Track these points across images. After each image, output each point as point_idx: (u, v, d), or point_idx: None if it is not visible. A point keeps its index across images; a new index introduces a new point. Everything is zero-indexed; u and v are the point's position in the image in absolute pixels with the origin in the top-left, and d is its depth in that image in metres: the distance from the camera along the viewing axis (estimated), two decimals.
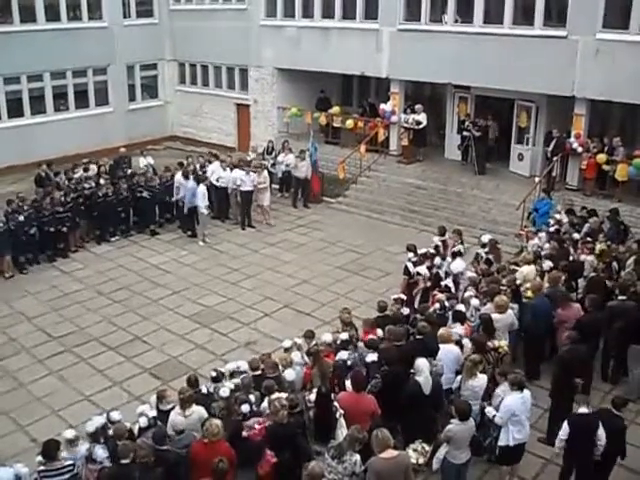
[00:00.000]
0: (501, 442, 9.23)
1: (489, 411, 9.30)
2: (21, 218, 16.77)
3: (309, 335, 10.94)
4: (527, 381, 9.62)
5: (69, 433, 8.76)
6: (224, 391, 9.41)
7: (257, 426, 8.71)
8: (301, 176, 21.62)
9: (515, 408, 9.03)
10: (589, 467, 8.95)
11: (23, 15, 24.09)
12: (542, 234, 15.01)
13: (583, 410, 8.85)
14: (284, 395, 9.16)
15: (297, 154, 21.57)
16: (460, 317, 11.18)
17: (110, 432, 8.80)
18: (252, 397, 9.26)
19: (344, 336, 10.64)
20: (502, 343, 10.78)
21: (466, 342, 10.63)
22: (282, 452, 8.62)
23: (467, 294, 12.05)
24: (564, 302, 11.77)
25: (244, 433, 8.69)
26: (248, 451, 8.64)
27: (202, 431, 8.42)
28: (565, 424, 8.90)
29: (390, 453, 7.78)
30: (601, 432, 8.68)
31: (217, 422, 8.37)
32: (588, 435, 8.73)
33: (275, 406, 8.73)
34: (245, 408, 9.10)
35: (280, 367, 10.09)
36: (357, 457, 8.04)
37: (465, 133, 21.26)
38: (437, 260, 13.63)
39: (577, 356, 10.32)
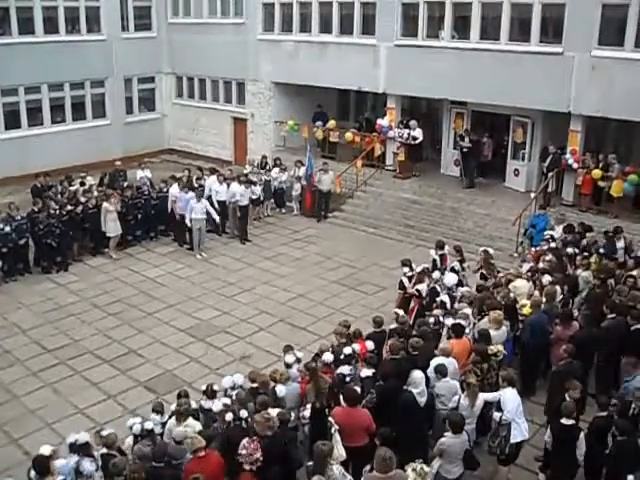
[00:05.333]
0: (515, 438, 9.40)
1: (496, 415, 9.42)
2: (6, 228, 16.77)
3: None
4: (523, 397, 9.67)
5: (46, 450, 8.54)
6: (216, 405, 9.52)
7: (251, 445, 8.66)
8: (324, 189, 21.68)
9: (515, 400, 9.30)
10: (572, 471, 9.21)
11: (22, 27, 24.18)
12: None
13: (566, 422, 8.96)
14: (276, 411, 9.16)
15: (321, 167, 21.70)
16: (458, 331, 11.16)
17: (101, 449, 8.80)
18: (244, 412, 9.22)
19: (348, 350, 10.61)
20: (499, 347, 10.89)
21: None
22: (271, 466, 8.62)
23: (463, 311, 12.01)
24: (566, 320, 11.77)
25: (244, 462, 8.65)
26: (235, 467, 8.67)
27: (189, 448, 8.42)
28: (549, 431, 9.27)
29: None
30: (581, 440, 8.88)
31: (194, 434, 8.45)
32: (569, 444, 8.93)
33: (257, 421, 8.74)
34: (229, 416, 9.12)
35: (272, 383, 10.06)
36: (335, 470, 7.99)
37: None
38: (436, 274, 13.62)
39: (572, 371, 10.34)
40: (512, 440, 9.39)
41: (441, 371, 9.96)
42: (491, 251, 14.63)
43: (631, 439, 8.79)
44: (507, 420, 9.36)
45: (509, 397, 9.34)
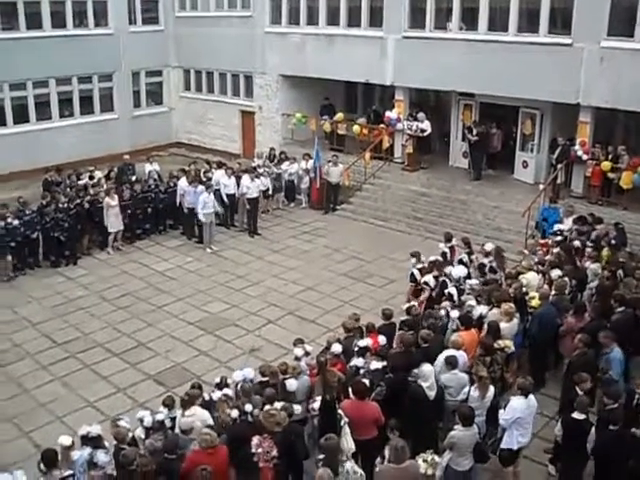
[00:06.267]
0: (505, 445, 9.32)
1: (500, 413, 9.38)
2: (15, 222, 16.82)
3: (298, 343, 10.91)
4: (533, 389, 9.61)
5: (66, 439, 8.72)
6: (216, 395, 9.60)
7: (265, 443, 8.66)
8: (333, 181, 21.68)
9: (520, 412, 9.13)
10: (583, 465, 9.14)
11: (29, 21, 24.23)
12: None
13: (578, 416, 8.90)
14: (280, 403, 9.18)
15: (330, 158, 21.74)
16: (467, 321, 11.15)
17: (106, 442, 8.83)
18: (249, 406, 9.21)
19: (362, 343, 10.59)
20: (507, 343, 10.87)
21: None
22: (280, 460, 8.64)
23: (469, 302, 11.97)
24: (579, 311, 11.75)
25: (259, 460, 8.64)
26: (248, 459, 8.66)
27: (199, 442, 8.42)
28: (559, 425, 9.17)
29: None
30: (592, 435, 8.82)
31: (209, 430, 8.42)
32: (580, 439, 8.87)
33: (264, 417, 8.76)
34: (234, 413, 9.11)
35: (281, 376, 10.06)
36: (347, 466, 8.00)
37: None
38: (448, 268, 13.57)
39: (588, 360, 10.38)
40: (502, 446, 9.36)
41: (452, 362, 9.94)
42: (488, 248, 14.48)
43: (621, 429, 8.76)
44: (502, 425, 9.34)
45: (513, 405, 9.20)
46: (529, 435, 9.44)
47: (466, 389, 9.86)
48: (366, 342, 10.60)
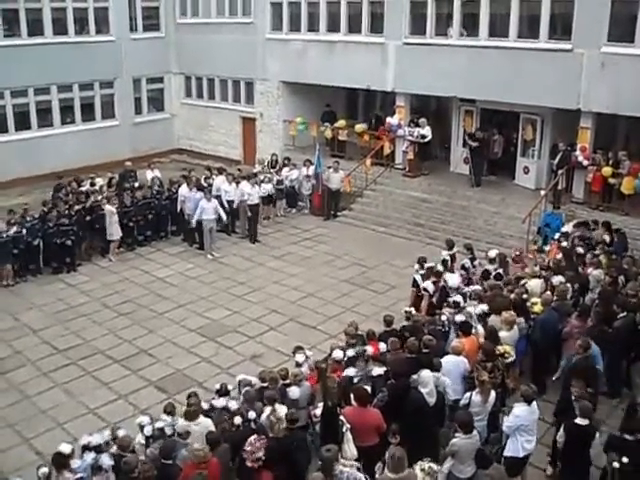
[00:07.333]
0: (509, 452, 9.23)
1: (504, 420, 9.35)
2: (23, 231, 16.84)
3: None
4: (535, 395, 9.58)
5: (66, 447, 8.63)
6: (220, 402, 9.59)
7: (257, 443, 8.65)
8: (334, 187, 21.68)
9: (524, 419, 9.10)
10: (585, 471, 9.07)
11: (31, 29, 24.33)
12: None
13: (581, 422, 8.85)
14: (284, 408, 9.16)
15: (330, 165, 21.78)
16: (466, 329, 11.12)
17: (114, 448, 8.78)
18: (252, 413, 9.19)
19: (351, 352, 10.56)
20: (507, 348, 10.85)
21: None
22: (278, 467, 8.63)
23: (467, 310, 11.93)
24: (583, 314, 11.75)
25: (247, 459, 8.63)
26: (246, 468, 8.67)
27: (190, 455, 8.39)
28: (562, 431, 9.09)
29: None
30: (597, 441, 8.78)
31: (200, 446, 8.33)
32: (583, 445, 8.84)
33: (271, 420, 8.74)
34: (237, 420, 9.09)
35: (281, 381, 10.03)
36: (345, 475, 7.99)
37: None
38: (446, 274, 13.55)
39: (589, 365, 10.36)
40: (506, 453, 9.28)
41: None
42: (492, 254, 14.47)
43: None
44: (505, 431, 9.31)
45: (516, 413, 9.15)
46: (534, 442, 9.37)
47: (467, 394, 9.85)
48: (354, 351, 10.56)
